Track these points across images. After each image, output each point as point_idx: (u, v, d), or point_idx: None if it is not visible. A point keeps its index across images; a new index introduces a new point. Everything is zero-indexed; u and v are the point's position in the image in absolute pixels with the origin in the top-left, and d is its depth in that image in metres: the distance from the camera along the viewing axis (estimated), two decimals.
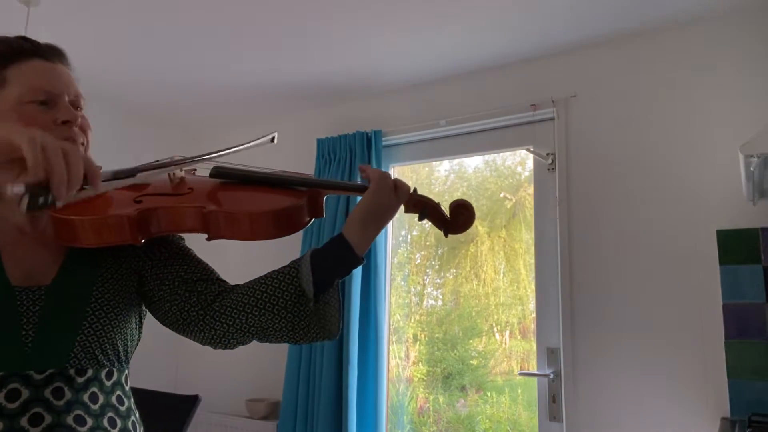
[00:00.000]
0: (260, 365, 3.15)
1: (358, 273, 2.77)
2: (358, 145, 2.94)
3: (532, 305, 2.57)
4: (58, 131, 0.96)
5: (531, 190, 2.66)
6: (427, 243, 3.02)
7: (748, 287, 2.06)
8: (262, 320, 0.99)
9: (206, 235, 0.97)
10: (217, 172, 1.07)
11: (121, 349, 0.98)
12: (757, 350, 2.02)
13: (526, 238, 2.70)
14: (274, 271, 1.03)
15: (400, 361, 2.93)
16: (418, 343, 2.94)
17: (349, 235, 1.00)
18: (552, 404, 2.40)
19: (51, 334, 0.91)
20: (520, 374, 2.58)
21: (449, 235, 1.11)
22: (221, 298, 1.02)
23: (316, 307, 0.99)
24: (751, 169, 1.65)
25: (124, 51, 2.67)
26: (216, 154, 1.06)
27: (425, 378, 2.86)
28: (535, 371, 2.47)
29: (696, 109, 2.27)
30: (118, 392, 0.97)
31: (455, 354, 2.80)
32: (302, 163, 3.16)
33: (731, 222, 2.13)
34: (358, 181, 2.96)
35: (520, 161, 2.83)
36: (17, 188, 0.62)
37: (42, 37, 1.07)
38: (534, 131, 2.62)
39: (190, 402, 2.13)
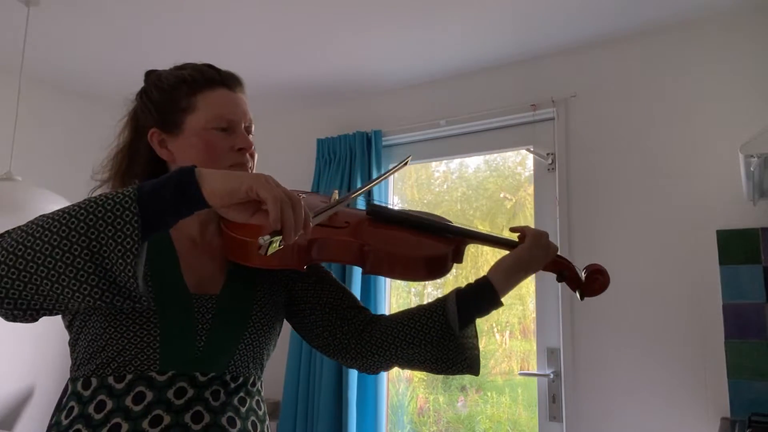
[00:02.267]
0: None
1: (358, 273, 2.77)
2: (358, 145, 2.94)
3: (532, 305, 2.57)
4: (233, 156, 1.05)
5: (531, 190, 2.66)
6: None
7: (748, 287, 2.06)
8: (409, 353, 1.09)
9: (361, 269, 1.06)
10: (374, 212, 1.15)
11: (265, 359, 1.07)
12: (757, 350, 2.02)
13: None
14: (420, 307, 1.12)
15: None
16: None
17: (496, 281, 1.08)
18: (552, 404, 2.40)
19: (218, 342, 0.99)
20: (520, 374, 2.58)
21: (584, 298, 1.14)
22: (370, 328, 1.11)
23: (459, 342, 1.08)
24: (751, 169, 1.65)
25: (124, 51, 2.67)
26: (369, 186, 1.17)
27: (425, 378, 2.86)
28: (535, 371, 2.47)
29: (696, 109, 2.27)
30: (257, 398, 1.04)
31: None
32: (302, 163, 3.16)
33: (731, 222, 2.13)
34: (358, 184, 2.96)
35: (520, 161, 2.83)
36: (265, 239, 0.77)
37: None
38: (534, 131, 2.62)
39: None
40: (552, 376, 2.41)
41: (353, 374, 2.68)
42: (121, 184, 1.07)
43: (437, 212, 1.24)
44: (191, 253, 1.04)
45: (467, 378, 2.76)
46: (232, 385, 0.98)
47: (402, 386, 2.90)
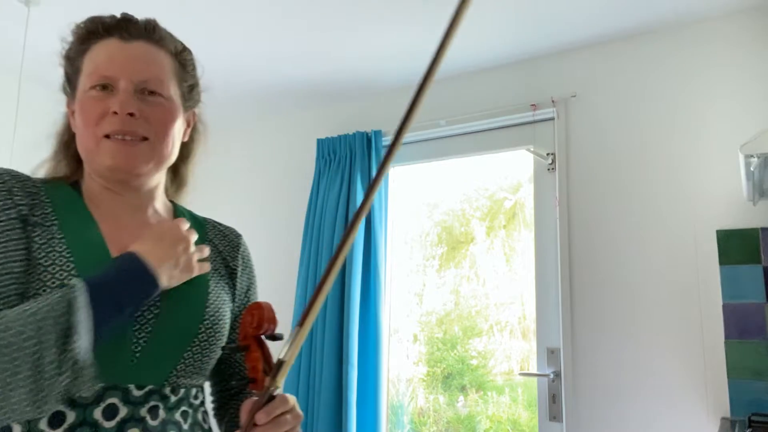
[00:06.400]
0: None
1: (357, 273, 2.77)
2: (358, 145, 2.94)
3: (532, 305, 2.57)
4: (110, 122, 0.83)
5: (531, 190, 2.66)
6: (428, 243, 3.02)
7: (748, 287, 2.06)
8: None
9: None
10: None
11: (213, 363, 0.93)
12: (757, 350, 2.02)
13: (526, 238, 2.70)
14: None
15: (400, 361, 2.93)
16: (418, 343, 2.94)
17: None
18: (552, 404, 2.40)
19: (160, 348, 0.82)
20: (520, 374, 2.58)
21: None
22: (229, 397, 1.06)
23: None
24: (751, 169, 1.65)
25: None
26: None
27: (425, 378, 2.86)
28: (535, 371, 2.47)
29: (696, 109, 2.27)
30: (202, 410, 0.91)
31: (455, 354, 2.80)
32: (302, 163, 3.16)
33: (731, 222, 2.13)
34: (358, 184, 2.92)
35: (521, 161, 2.83)
36: None
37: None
38: (534, 131, 2.62)
39: None
40: (552, 376, 2.41)
41: (353, 374, 2.68)
42: (58, 161, 0.94)
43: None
44: (121, 227, 0.87)
45: (467, 378, 2.76)
46: (173, 399, 0.83)
47: (402, 386, 2.90)
